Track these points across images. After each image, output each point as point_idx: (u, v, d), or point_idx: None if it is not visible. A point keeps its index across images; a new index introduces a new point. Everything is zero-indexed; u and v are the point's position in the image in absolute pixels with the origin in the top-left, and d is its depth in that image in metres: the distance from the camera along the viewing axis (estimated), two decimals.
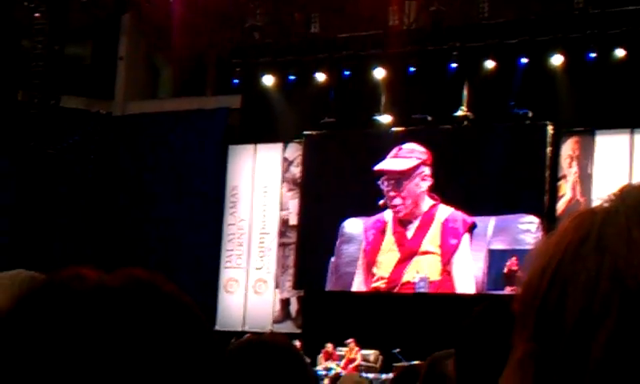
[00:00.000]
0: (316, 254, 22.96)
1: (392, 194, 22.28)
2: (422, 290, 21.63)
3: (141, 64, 26.81)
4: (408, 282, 21.87)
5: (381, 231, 22.41)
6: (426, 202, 22.03)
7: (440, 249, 21.68)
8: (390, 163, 22.30)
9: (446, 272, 21.53)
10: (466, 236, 21.52)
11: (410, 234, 22.11)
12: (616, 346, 0.83)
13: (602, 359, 0.83)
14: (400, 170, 22.22)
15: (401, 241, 22.16)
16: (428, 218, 21.94)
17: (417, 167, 22.16)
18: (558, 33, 21.16)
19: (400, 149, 22.32)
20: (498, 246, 21.05)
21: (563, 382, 0.85)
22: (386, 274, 22.15)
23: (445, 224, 21.73)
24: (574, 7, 21.19)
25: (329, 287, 22.93)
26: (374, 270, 22.35)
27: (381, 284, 22.24)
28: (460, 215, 21.63)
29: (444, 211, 21.81)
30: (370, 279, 22.40)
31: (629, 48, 20.47)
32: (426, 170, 22.12)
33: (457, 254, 21.50)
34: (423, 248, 21.86)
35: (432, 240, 21.80)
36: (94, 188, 25.37)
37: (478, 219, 21.41)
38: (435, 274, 21.62)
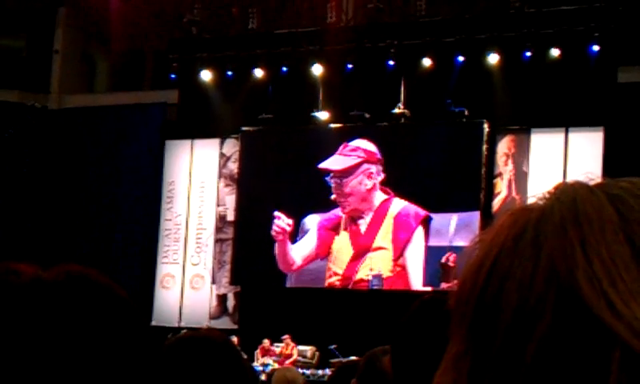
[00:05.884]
0: (253, 250, 22.90)
1: (337, 191, 22.19)
2: (376, 287, 21.52)
3: (77, 57, 26.51)
4: (362, 280, 21.78)
5: (334, 228, 22.28)
6: (378, 197, 21.88)
7: (392, 244, 21.55)
8: (331, 161, 22.19)
9: (399, 266, 21.39)
10: (420, 229, 21.47)
11: (363, 229, 21.99)
12: (551, 343, 0.83)
13: (537, 355, 0.84)
14: (338, 168, 22.13)
15: (354, 237, 21.99)
16: (381, 212, 21.76)
17: (358, 165, 22.00)
18: (495, 32, 21.35)
19: (345, 146, 22.21)
20: (461, 243, 20.82)
21: (498, 380, 0.85)
22: (340, 271, 22.01)
23: (397, 218, 21.56)
24: (510, 6, 21.40)
25: (290, 284, 22.76)
26: (330, 265, 22.22)
27: (335, 280, 22.10)
28: (413, 208, 21.45)
29: (397, 205, 21.67)
30: (326, 276, 22.23)
31: (564, 48, 20.72)
32: (372, 168, 21.93)
33: (409, 247, 21.40)
34: (376, 244, 21.64)
35: (384, 235, 21.61)
36: (29, 182, 25.07)
37: (439, 216, 21.25)
38: (387, 270, 21.48)
